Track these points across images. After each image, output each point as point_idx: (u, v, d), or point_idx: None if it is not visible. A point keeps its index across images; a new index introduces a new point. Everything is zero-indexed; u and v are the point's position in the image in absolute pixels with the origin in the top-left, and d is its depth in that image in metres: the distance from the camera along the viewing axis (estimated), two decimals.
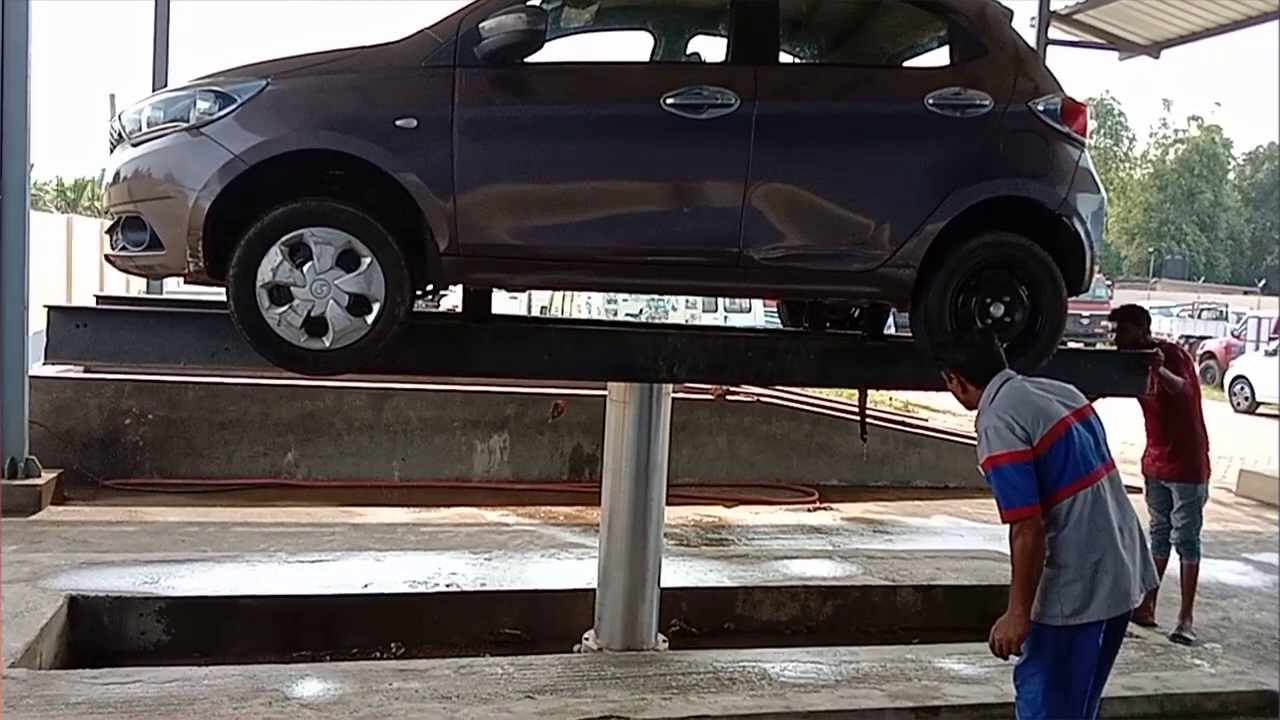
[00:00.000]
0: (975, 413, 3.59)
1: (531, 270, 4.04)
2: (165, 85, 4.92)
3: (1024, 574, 3.30)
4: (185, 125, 3.62)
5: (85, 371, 9.38)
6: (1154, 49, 14.16)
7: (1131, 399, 5.87)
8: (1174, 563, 5.99)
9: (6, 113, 7.03)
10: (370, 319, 3.67)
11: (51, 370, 9.33)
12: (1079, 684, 3.39)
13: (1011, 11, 4.46)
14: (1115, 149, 69.01)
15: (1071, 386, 3.62)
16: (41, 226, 11.37)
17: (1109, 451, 3.53)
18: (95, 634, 5.33)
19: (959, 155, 4.17)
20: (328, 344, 3.68)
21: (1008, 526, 3.34)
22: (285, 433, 8.72)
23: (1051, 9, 13.04)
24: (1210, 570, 7.16)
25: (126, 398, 8.45)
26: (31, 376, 7.55)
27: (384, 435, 8.93)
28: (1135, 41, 14.14)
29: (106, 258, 4.01)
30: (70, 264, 14.13)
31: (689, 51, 4.81)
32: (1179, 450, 5.88)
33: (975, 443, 3.52)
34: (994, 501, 3.40)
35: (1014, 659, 3.44)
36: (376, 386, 9.21)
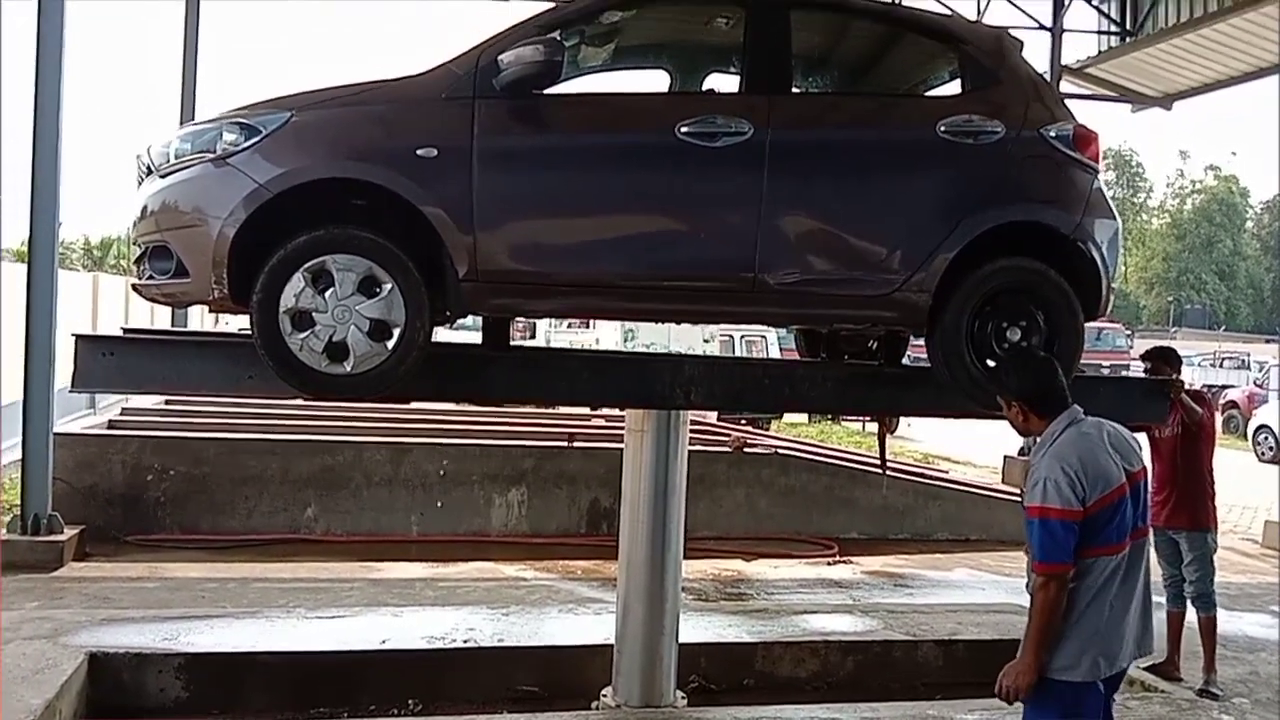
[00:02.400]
0: (1033, 444, 3.52)
1: (549, 296, 4.07)
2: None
3: (1043, 625, 3.29)
4: (211, 156, 3.71)
5: (109, 427, 9.50)
6: (1166, 101, 14.28)
7: (1148, 448, 5.88)
8: (1192, 614, 5.91)
9: (37, 173, 7.18)
10: (391, 344, 3.72)
11: (75, 427, 9.45)
12: None
13: (1022, 42, 4.53)
14: (1134, 199, 69.14)
15: (1132, 441, 3.54)
16: (68, 284, 11.54)
17: (1145, 518, 3.48)
18: (115, 691, 5.33)
19: (972, 181, 4.21)
20: (349, 369, 3.72)
21: (1033, 575, 3.32)
22: (305, 488, 8.75)
23: (1063, 63, 13.19)
24: (1237, 623, 7.06)
25: (149, 454, 8.51)
26: (55, 433, 7.62)
27: (403, 489, 8.95)
28: (1147, 94, 14.27)
29: (134, 287, 4.09)
30: (95, 321, 14.28)
31: (704, 89, 4.90)
32: (1186, 498, 5.81)
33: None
34: (1018, 555, 3.38)
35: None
36: (395, 441, 9.26)
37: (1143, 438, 5.98)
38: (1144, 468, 3.51)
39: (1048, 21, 13.27)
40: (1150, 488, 5.86)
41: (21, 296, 7.26)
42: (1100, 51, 13.65)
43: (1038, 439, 3.56)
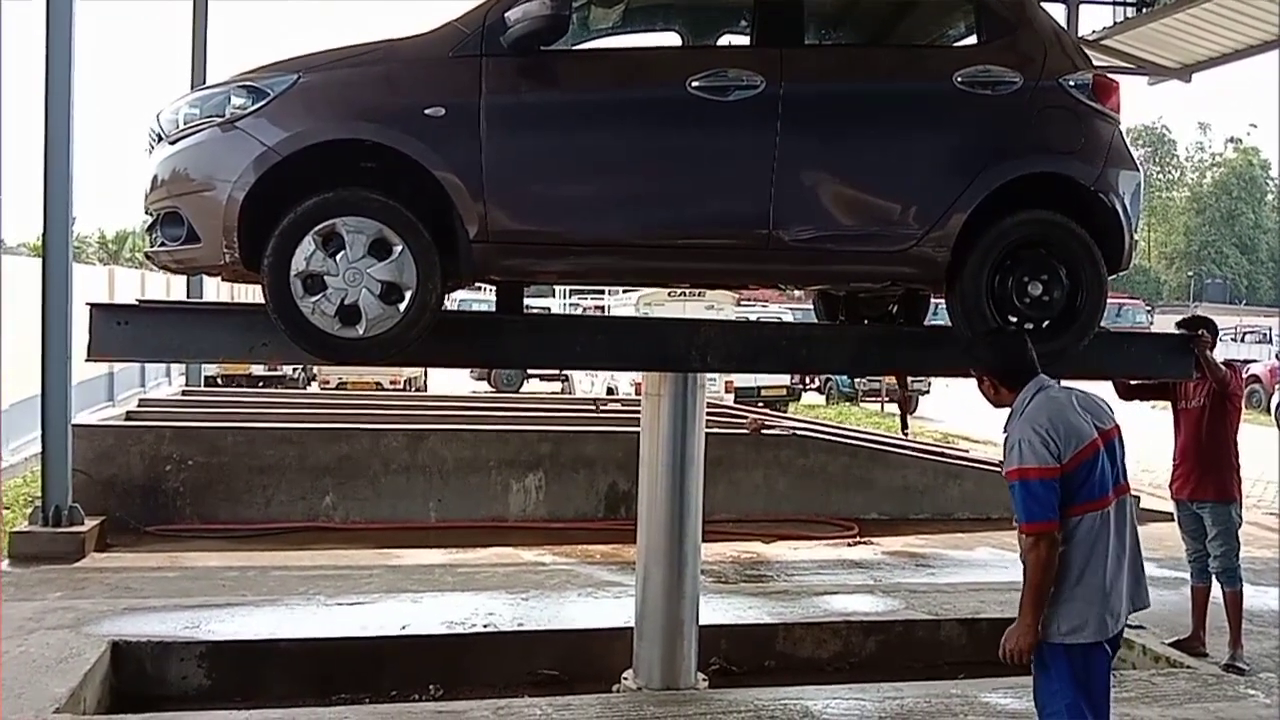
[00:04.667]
0: (1006, 414, 3.55)
1: (561, 256, 4.04)
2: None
3: (1036, 585, 3.35)
4: (220, 120, 3.70)
5: (127, 418, 9.54)
6: (1184, 72, 14.07)
7: (1169, 421, 5.83)
8: (1217, 589, 5.84)
9: (50, 168, 7.19)
10: (403, 307, 3.70)
11: (94, 418, 9.49)
12: (1102, 702, 3.40)
13: None
14: (1160, 176, 68.53)
15: (1102, 402, 3.57)
16: (84, 278, 11.60)
17: (1125, 474, 3.52)
18: (138, 679, 5.37)
19: (990, 132, 4.15)
20: (361, 332, 3.70)
21: (1022, 537, 3.38)
22: (323, 476, 8.76)
23: (1079, 35, 13.00)
24: (1263, 598, 6.98)
25: (167, 444, 8.53)
26: (74, 425, 7.65)
27: (420, 476, 8.95)
28: (1165, 65, 14.06)
29: (146, 255, 4.09)
30: None
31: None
32: (1211, 469, 5.70)
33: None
34: None
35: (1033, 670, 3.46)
36: (412, 428, 9.27)
37: (1166, 412, 5.93)
38: (1116, 426, 3.54)
39: None
40: (1174, 460, 5.84)
41: (37, 290, 7.28)
42: (1116, 22, 13.44)
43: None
